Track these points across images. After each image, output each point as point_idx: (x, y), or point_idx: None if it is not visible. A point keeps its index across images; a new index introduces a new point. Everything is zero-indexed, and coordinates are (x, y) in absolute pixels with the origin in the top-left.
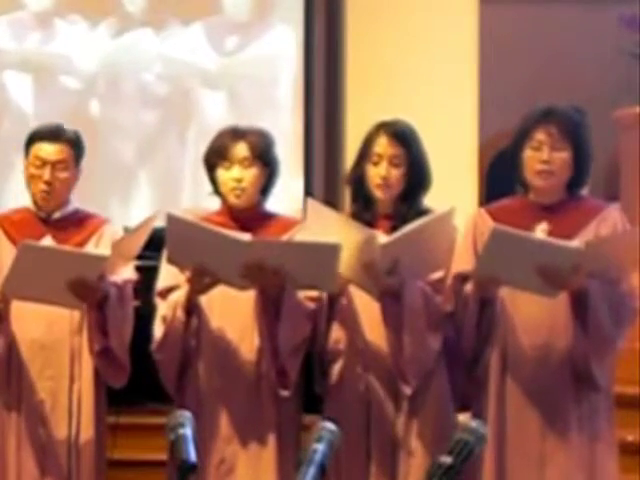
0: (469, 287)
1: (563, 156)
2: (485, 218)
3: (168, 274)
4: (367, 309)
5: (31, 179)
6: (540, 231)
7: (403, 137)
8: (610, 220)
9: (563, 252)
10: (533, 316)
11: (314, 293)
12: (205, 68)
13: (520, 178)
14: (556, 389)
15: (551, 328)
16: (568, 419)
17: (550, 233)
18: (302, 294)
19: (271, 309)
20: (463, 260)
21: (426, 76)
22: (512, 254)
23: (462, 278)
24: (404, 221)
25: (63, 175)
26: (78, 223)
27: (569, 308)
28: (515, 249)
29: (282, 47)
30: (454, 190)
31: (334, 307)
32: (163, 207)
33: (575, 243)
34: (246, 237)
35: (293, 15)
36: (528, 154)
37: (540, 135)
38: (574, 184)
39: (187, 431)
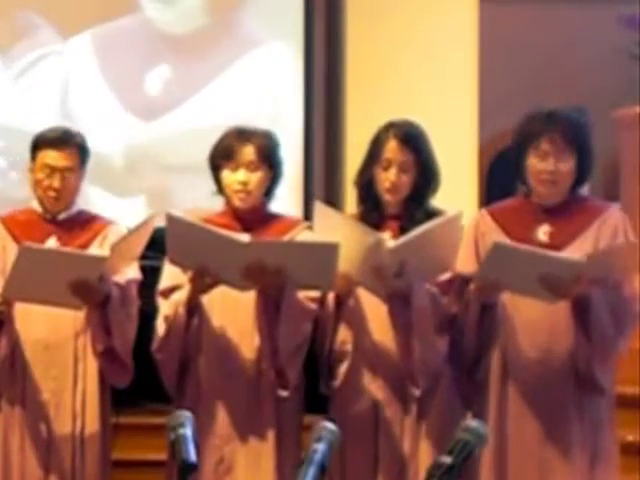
0: (470, 290)
1: (568, 166)
2: (487, 219)
3: (170, 274)
4: (374, 311)
5: (38, 184)
6: (542, 233)
7: (413, 142)
8: (612, 221)
9: (564, 265)
10: (534, 318)
11: (315, 293)
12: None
13: (523, 180)
14: (557, 392)
15: (552, 330)
16: (569, 422)
17: (552, 235)
18: (302, 294)
19: (271, 309)
20: (464, 262)
21: (426, 76)
22: (513, 266)
23: (464, 280)
24: (413, 221)
25: (71, 180)
26: (83, 224)
27: (570, 312)
28: (516, 262)
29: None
30: (454, 190)
31: (341, 308)
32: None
33: (576, 256)
34: (244, 238)
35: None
36: (533, 162)
37: (545, 145)
38: (576, 185)
39: (187, 431)
